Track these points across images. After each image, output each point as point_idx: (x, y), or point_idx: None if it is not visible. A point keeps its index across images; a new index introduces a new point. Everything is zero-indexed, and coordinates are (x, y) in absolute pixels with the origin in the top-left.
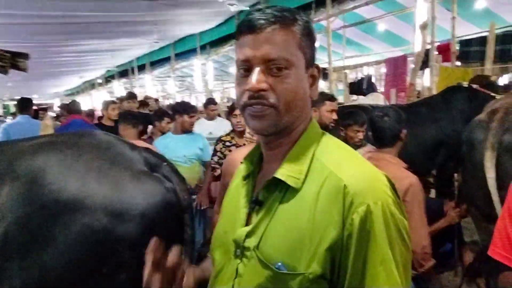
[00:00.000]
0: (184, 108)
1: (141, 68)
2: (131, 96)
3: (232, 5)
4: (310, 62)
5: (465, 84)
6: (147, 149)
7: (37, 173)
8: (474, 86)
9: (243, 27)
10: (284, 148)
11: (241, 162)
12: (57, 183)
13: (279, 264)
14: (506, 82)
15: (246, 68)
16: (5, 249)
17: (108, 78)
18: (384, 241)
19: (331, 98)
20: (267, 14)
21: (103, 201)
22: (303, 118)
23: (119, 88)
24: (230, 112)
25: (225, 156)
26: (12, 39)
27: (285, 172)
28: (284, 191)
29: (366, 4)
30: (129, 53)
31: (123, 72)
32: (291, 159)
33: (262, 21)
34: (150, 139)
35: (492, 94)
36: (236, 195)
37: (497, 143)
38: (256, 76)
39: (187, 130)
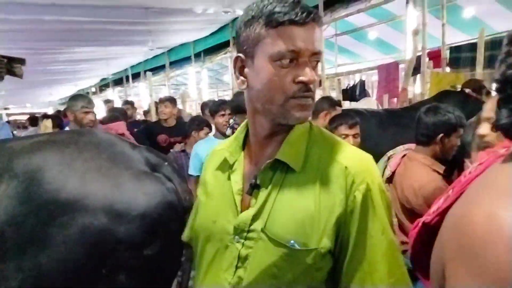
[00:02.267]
0: (215, 108)
1: (136, 76)
2: (127, 102)
3: (227, 12)
4: None
5: (458, 88)
6: (148, 149)
7: (35, 171)
8: (467, 90)
9: (284, 17)
10: (282, 135)
11: (219, 151)
12: (55, 183)
13: (292, 241)
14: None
15: (291, 58)
16: (1, 249)
17: (103, 86)
18: (383, 213)
19: (339, 103)
20: (303, 9)
21: (103, 201)
22: None
23: (113, 96)
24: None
25: None
26: (4, 45)
27: (287, 155)
28: (284, 173)
29: (358, 12)
30: (124, 61)
31: (118, 81)
32: (290, 144)
33: (309, 16)
34: (184, 153)
35: (483, 98)
36: (220, 184)
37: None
38: (310, 68)
39: (222, 132)
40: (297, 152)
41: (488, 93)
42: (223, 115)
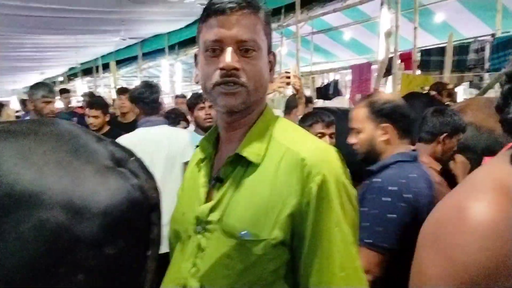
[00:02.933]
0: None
1: (106, 66)
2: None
3: (202, 5)
4: (270, 48)
5: (426, 89)
6: (114, 142)
7: None
8: (432, 93)
9: (211, 9)
10: (244, 129)
11: (197, 146)
12: (11, 176)
13: (243, 232)
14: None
15: (216, 48)
16: None
17: (71, 76)
18: (338, 206)
19: (311, 100)
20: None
21: (62, 197)
22: (262, 101)
23: (82, 86)
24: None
25: None
26: None
27: (247, 149)
28: (245, 167)
29: (334, 11)
30: (94, 51)
31: (87, 70)
32: (251, 138)
33: (233, 5)
34: None
35: (447, 100)
36: (193, 178)
37: None
38: (230, 55)
39: (203, 127)
40: (258, 146)
41: (449, 95)
42: (202, 107)
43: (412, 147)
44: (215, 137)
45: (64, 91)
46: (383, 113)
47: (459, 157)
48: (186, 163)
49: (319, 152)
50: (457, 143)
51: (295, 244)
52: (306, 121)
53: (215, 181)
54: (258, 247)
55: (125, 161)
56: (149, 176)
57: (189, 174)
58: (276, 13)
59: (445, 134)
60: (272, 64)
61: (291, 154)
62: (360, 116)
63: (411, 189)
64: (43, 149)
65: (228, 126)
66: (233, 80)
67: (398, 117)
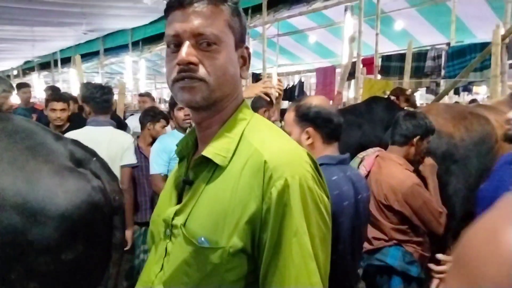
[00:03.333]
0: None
1: (66, 61)
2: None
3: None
4: (239, 42)
5: (387, 94)
6: (74, 141)
7: None
8: (392, 97)
9: (172, 2)
10: (215, 128)
11: (176, 145)
12: None
13: (202, 239)
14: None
15: (175, 43)
16: None
17: (26, 70)
18: (299, 214)
19: (270, 103)
20: None
21: (15, 198)
22: (233, 98)
23: (38, 81)
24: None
25: None
26: None
27: (213, 151)
28: (213, 170)
29: (300, 14)
30: (53, 44)
31: (44, 65)
32: (219, 138)
33: None
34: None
35: (405, 105)
36: (171, 179)
37: None
38: (185, 49)
39: (183, 127)
40: (225, 147)
41: (407, 100)
42: (181, 108)
43: (334, 152)
44: (195, 136)
45: (22, 85)
46: (307, 118)
47: (428, 160)
48: (123, 167)
49: (284, 154)
50: (427, 145)
51: (256, 253)
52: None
53: (184, 183)
54: (215, 255)
55: (86, 161)
56: (112, 177)
57: (171, 175)
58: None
59: (418, 137)
60: (245, 59)
61: (256, 155)
62: (288, 120)
63: (332, 193)
64: None
65: (199, 125)
66: (189, 75)
67: (321, 122)
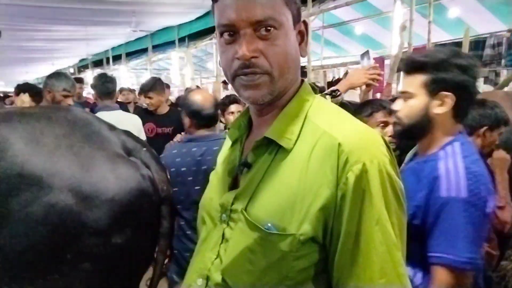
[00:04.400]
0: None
1: (117, 58)
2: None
3: None
4: (297, 18)
5: None
6: (126, 132)
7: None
8: None
9: None
10: (276, 111)
11: (228, 128)
12: (21, 156)
13: (269, 225)
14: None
15: (230, 33)
16: None
17: (81, 67)
18: (380, 201)
19: (382, 105)
20: None
21: (71, 181)
22: (294, 80)
23: (92, 77)
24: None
25: None
26: None
27: (277, 132)
28: (275, 152)
29: (346, 5)
30: (105, 43)
31: (98, 62)
32: (282, 120)
33: None
34: None
35: None
36: (224, 162)
37: None
38: (245, 43)
39: None
40: (290, 128)
41: None
42: (232, 112)
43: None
44: (248, 118)
45: (76, 81)
46: None
47: (499, 153)
48: None
49: (360, 137)
50: (498, 137)
51: (328, 242)
52: (364, 111)
53: (243, 166)
54: (284, 243)
55: (137, 151)
56: (161, 168)
57: (221, 158)
58: None
59: (485, 128)
60: (303, 35)
61: (327, 138)
62: None
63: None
64: (56, 133)
65: (258, 113)
66: (253, 70)
67: None
